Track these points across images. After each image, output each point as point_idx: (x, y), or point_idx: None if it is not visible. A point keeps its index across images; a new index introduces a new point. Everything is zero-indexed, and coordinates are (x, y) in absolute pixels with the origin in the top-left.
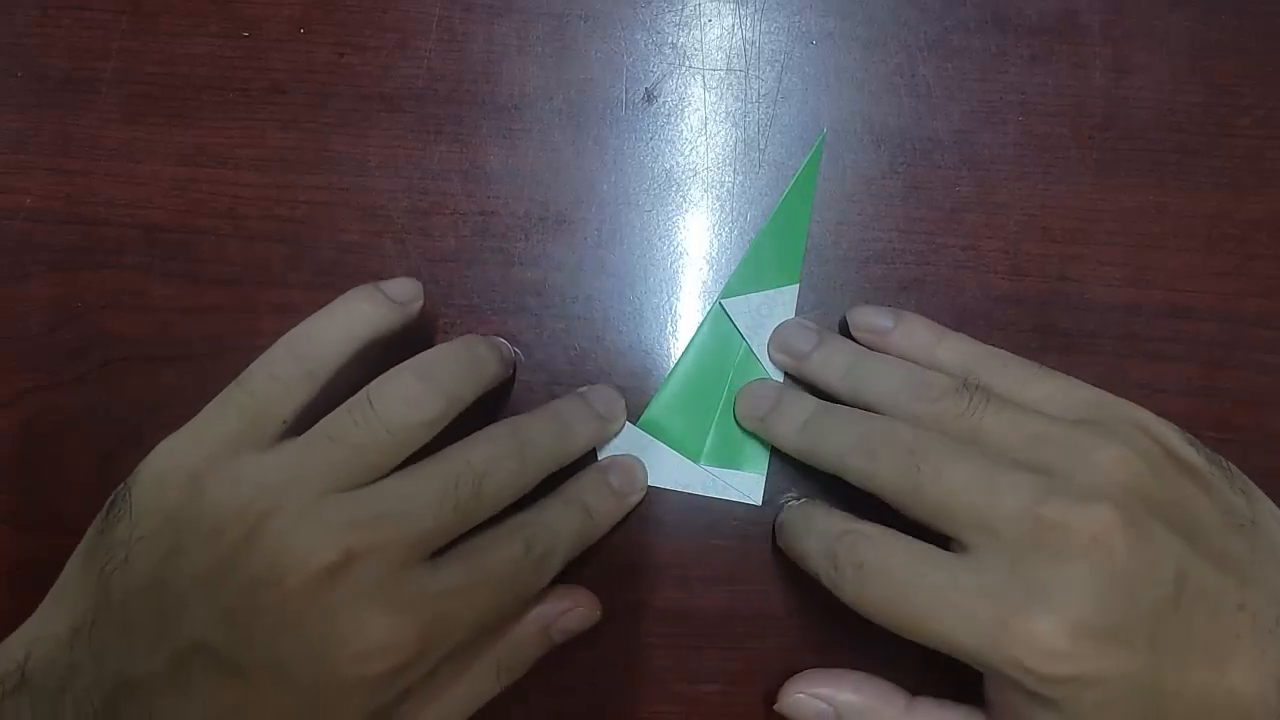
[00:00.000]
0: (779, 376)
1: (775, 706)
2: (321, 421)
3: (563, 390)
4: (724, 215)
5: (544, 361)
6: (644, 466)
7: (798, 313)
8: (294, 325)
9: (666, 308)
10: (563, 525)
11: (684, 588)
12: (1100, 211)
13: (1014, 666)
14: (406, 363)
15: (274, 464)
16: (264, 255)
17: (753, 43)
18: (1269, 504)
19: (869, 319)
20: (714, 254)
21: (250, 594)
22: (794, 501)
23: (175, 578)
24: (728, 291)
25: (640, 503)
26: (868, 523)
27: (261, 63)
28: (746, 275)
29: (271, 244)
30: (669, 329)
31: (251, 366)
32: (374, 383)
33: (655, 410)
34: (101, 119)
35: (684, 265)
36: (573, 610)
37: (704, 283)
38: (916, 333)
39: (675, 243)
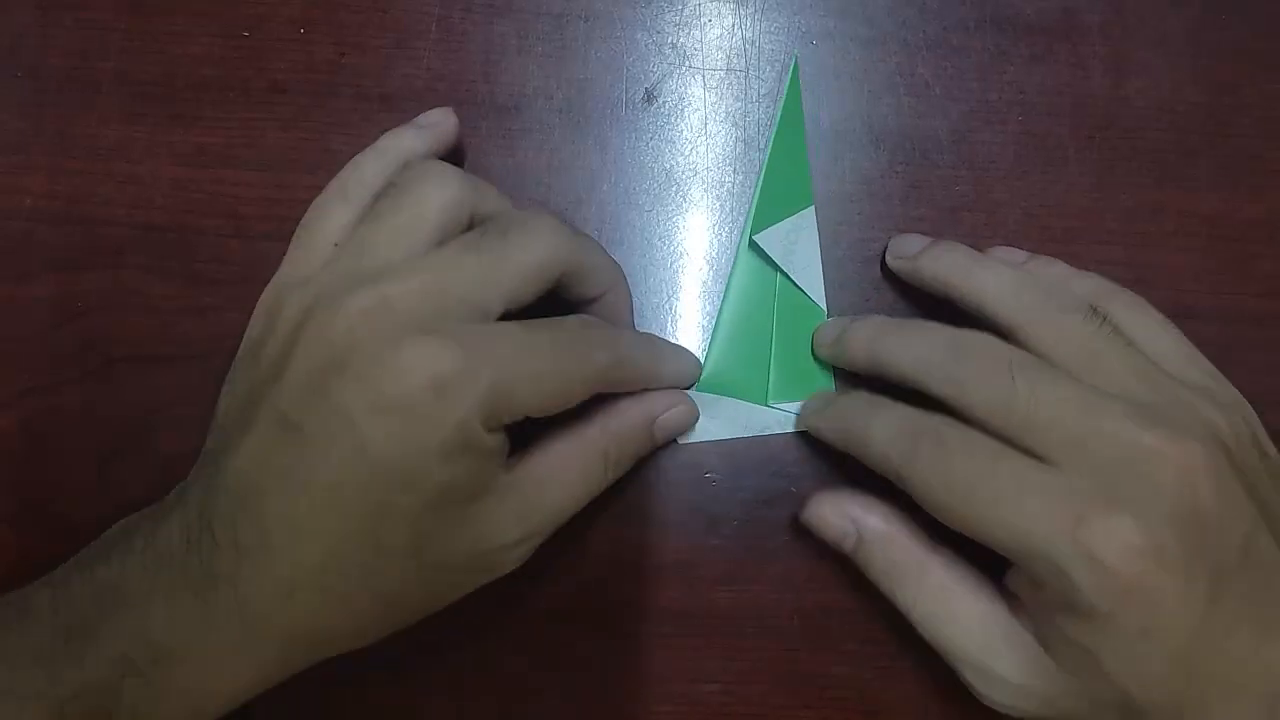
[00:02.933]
0: (821, 301)
1: (801, 517)
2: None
3: None
4: (724, 215)
5: None
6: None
7: (825, 234)
8: None
9: (666, 308)
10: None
11: (684, 588)
12: (1100, 211)
13: (1082, 559)
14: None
15: (324, 268)
16: (264, 255)
17: (753, 43)
18: None
19: (1005, 254)
20: (714, 254)
21: (306, 356)
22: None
23: (257, 376)
24: (755, 228)
25: (643, 501)
26: (946, 416)
27: (261, 63)
28: (765, 210)
29: (271, 244)
30: (669, 329)
31: (309, 210)
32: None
33: (712, 367)
34: (101, 119)
35: (684, 265)
36: (677, 407)
37: (704, 283)
38: (1053, 265)
39: (675, 243)
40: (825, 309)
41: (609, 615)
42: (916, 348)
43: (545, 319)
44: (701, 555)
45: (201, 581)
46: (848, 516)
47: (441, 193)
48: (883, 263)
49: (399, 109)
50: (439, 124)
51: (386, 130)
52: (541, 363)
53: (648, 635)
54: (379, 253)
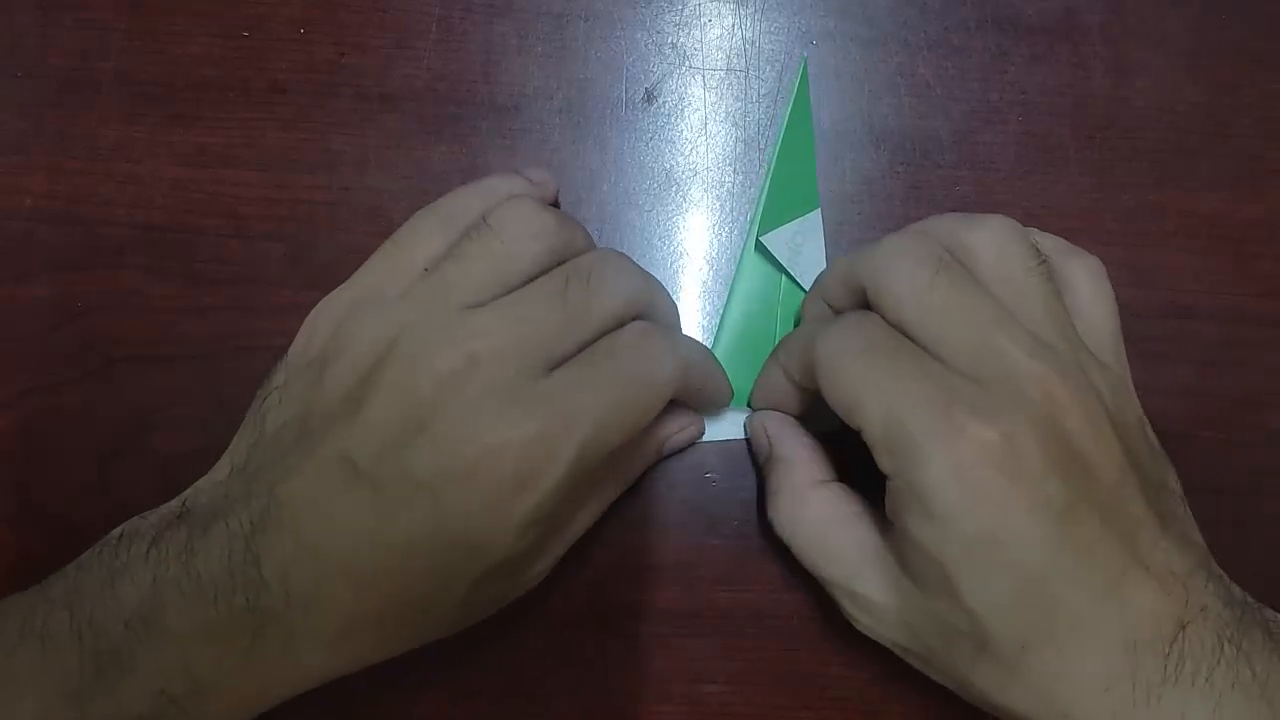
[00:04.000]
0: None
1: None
2: (449, 251)
3: None
4: (724, 215)
5: None
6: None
7: (825, 234)
8: (294, 325)
9: None
10: (686, 343)
11: (684, 588)
12: (1100, 211)
13: (939, 442)
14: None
15: (407, 298)
16: (264, 255)
17: (753, 43)
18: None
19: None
20: (714, 254)
21: (385, 405)
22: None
23: (321, 400)
24: (762, 229)
25: (643, 502)
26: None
27: (261, 63)
28: (772, 211)
29: (271, 244)
30: None
31: (399, 230)
32: (492, 212)
33: None
34: (101, 119)
35: (684, 265)
36: (688, 429)
37: (704, 283)
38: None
39: (675, 243)
40: None
41: (609, 616)
42: (857, 253)
43: (604, 342)
44: (701, 555)
45: (247, 618)
46: (767, 433)
47: (536, 242)
48: None
49: (399, 109)
50: (544, 184)
51: (394, 131)
52: (615, 405)
53: (648, 635)
54: (468, 292)
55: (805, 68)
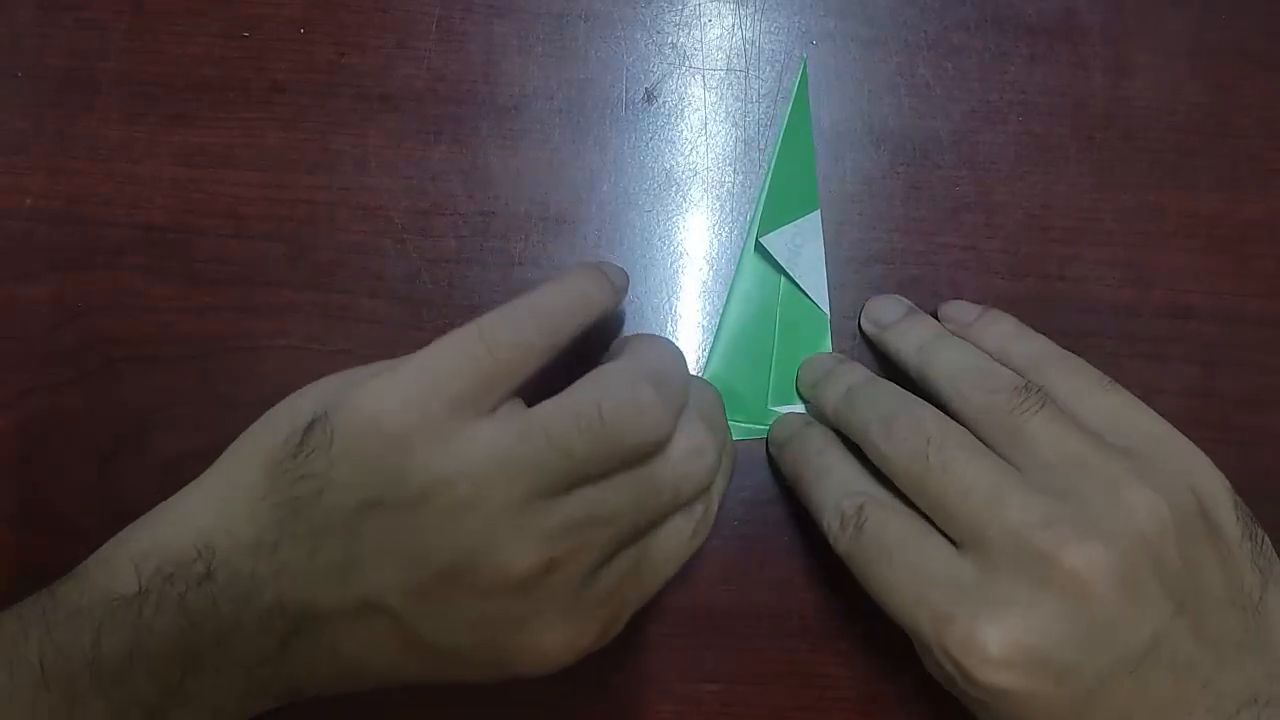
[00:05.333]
0: (824, 305)
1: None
2: (544, 413)
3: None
4: (724, 215)
5: None
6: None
7: (825, 234)
8: (294, 325)
9: (666, 308)
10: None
11: (684, 587)
12: (1100, 211)
13: (945, 657)
14: (634, 363)
15: (489, 445)
16: (264, 255)
17: (753, 43)
18: None
19: (957, 312)
20: (714, 254)
21: (446, 580)
22: (799, 418)
23: (369, 530)
24: (761, 230)
25: None
26: (881, 488)
27: (261, 63)
28: (772, 211)
29: (271, 244)
30: (669, 329)
31: (493, 321)
32: (603, 383)
33: (714, 369)
34: (101, 119)
35: (684, 265)
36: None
37: (704, 283)
38: (999, 323)
39: (675, 243)
40: (828, 313)
41: None
42: (864, 410)
43: (661, 535)
44: (701, 555)
45: (270, 686)
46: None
47: (647, 443)
48: (882, 263)
49: (399, 109)
50: (622, 289)
51: (394, 131)
52: (655, 590)
53: (648, 635)
54: (561, 478)
55: (804, 68)
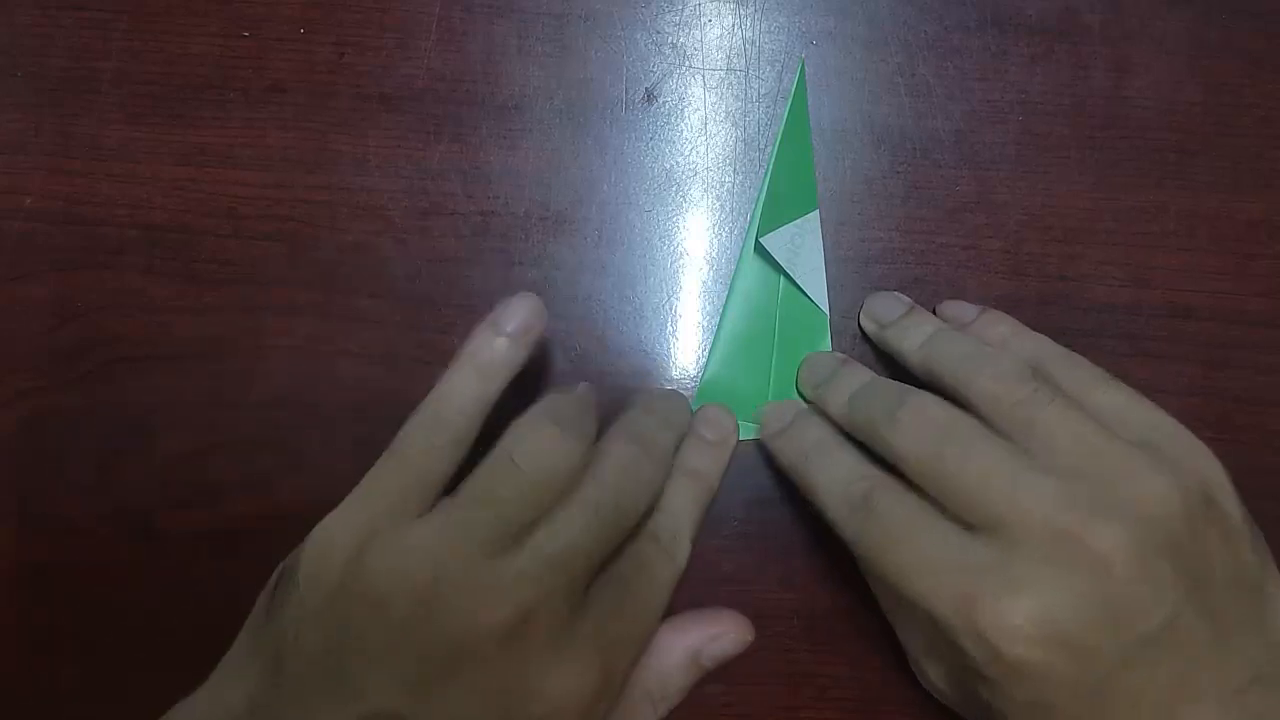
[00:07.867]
0: (824, 305)
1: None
2: (469, 482)
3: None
4: (724, 215)
5: (544, 362)
6: (728, 409)
7: (825, 234)
8: (294, 325)
9: (666, 308)
10: (677, 500)
11: (684, 588)
12: (1100, 211)
13: (971, 636)
14: (532, 412)
15: (432, 531)
16: (264, 255)
17: (753, 43)
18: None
19: (956, 312)
20: (714, 254)
21: (432, 663)
22: (792, 405)
23: (349, 651)
24: (761, 230)
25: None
26: (885, 473)
27: (261, 63)
28: (771, 212)
29: (271, 244)
30: (669, 329)
31: (401, 435)
32: (509, 437)
33: (713, 370)
34: (101, 119)
35: (684, 265)
36: (721, 636)
37: (704, 283)
38: (998, 323)
39: (675, 243)
40: (828, 313)
41: None
42: (872, 407)
43: (628, 559)
44: (701, 555)
45: None
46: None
47: (563, 470)
48: (883, 263)
49: (399, 109)
50: (529, 332)
51: (394, 131)
52: (649, 623)
53: None
54: (504, 529)
55: (803, 69)
